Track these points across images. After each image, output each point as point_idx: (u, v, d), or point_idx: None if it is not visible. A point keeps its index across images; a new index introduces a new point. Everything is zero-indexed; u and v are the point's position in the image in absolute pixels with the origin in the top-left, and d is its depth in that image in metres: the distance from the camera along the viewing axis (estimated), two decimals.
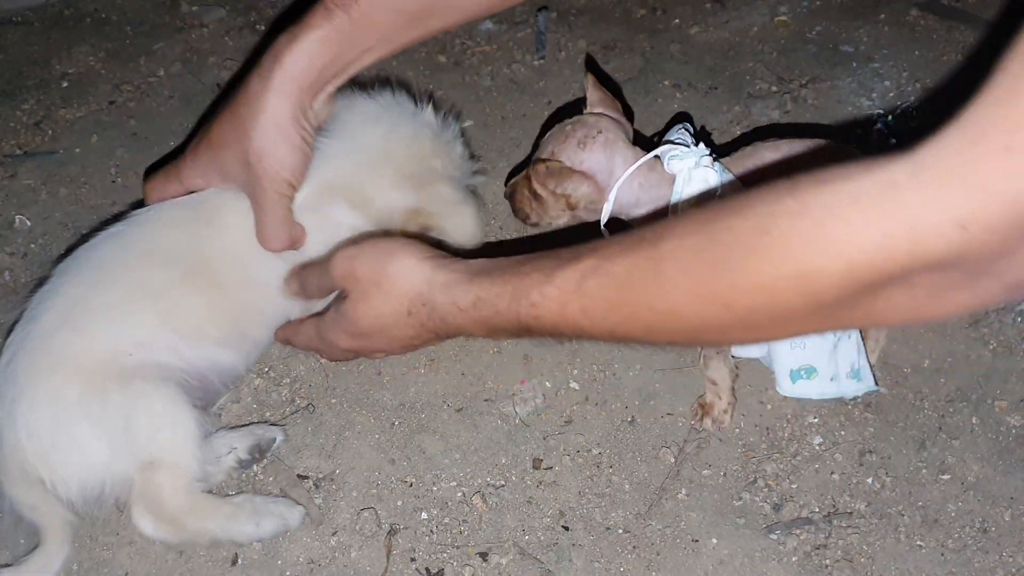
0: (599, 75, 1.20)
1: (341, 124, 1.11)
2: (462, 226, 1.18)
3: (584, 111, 1.12)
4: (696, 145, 1.04)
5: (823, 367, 1.08)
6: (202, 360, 1.05)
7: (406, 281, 0.86)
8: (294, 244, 1.06)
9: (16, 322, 1.06)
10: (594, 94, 1.12)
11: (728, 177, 1.01)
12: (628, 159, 1.05)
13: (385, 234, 1.04)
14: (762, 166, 1.03)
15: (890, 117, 1.47)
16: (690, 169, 1.01)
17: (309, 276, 1.02)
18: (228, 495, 1.05)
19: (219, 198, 1.07)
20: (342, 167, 1.09)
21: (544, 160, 1.05)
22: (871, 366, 1.11)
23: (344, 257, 0.93)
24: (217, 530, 0.99)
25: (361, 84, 1.15)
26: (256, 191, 1.02)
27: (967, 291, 0.57)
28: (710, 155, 1.02)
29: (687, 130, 1.06)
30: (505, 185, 1.16)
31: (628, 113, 1.14)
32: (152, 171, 1.15)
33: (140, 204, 1.15)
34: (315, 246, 1.08)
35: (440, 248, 0.92)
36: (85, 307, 1.01)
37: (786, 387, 1.10)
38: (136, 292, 1.02)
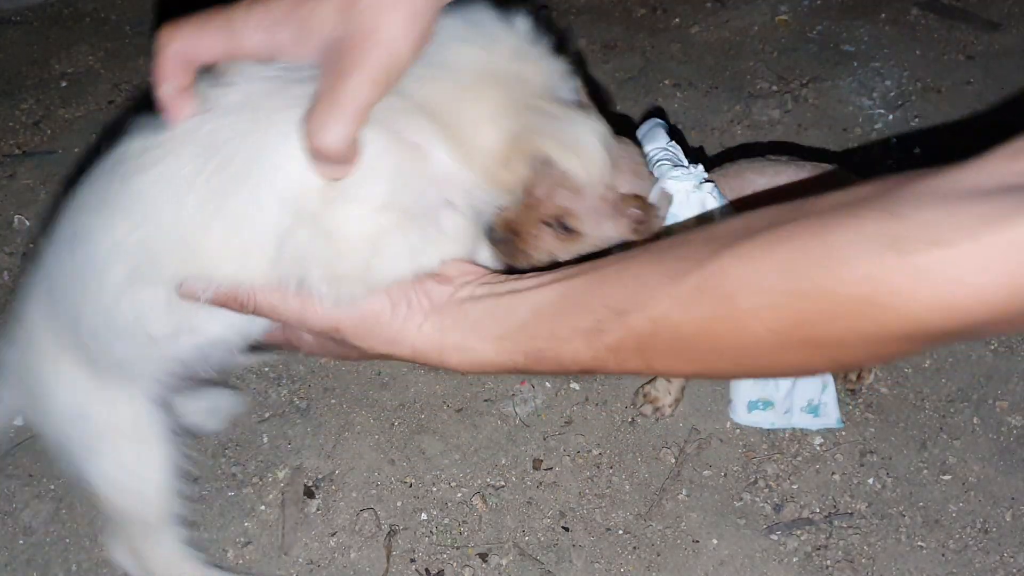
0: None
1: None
2: (586, 147, 0.83)
3: None
4: (685, 158, 1.01)
5: (779, 401, 1.09)
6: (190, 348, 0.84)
7: (424, 359, 0.75)
8: (347, 156, 0.69)
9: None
10: None
11: (724, 202, 0.99)
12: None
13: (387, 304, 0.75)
14: (752, 194, 1.01)
15: (891, 116, 1.47)
16: (688, 192, 0.98)
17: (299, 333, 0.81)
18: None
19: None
20: (432, 88, 0.77)
21: (636, 196, 0.93)
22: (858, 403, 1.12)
23: (354, 339, 0.76)
24: None
25: None
26: (346, 58, 0.68)
27: None
28: (706, 177, 1.00)
29: (663, 129, 1.03)
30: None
31: None
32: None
33: None
34: (370, 180, 0.72)
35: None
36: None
37: (741, 415, 1.11)
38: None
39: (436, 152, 0.77)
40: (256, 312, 0.76)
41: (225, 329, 0.80)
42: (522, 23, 0.85)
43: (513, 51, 0.83)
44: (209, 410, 1.12)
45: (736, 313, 0.59)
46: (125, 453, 0.88)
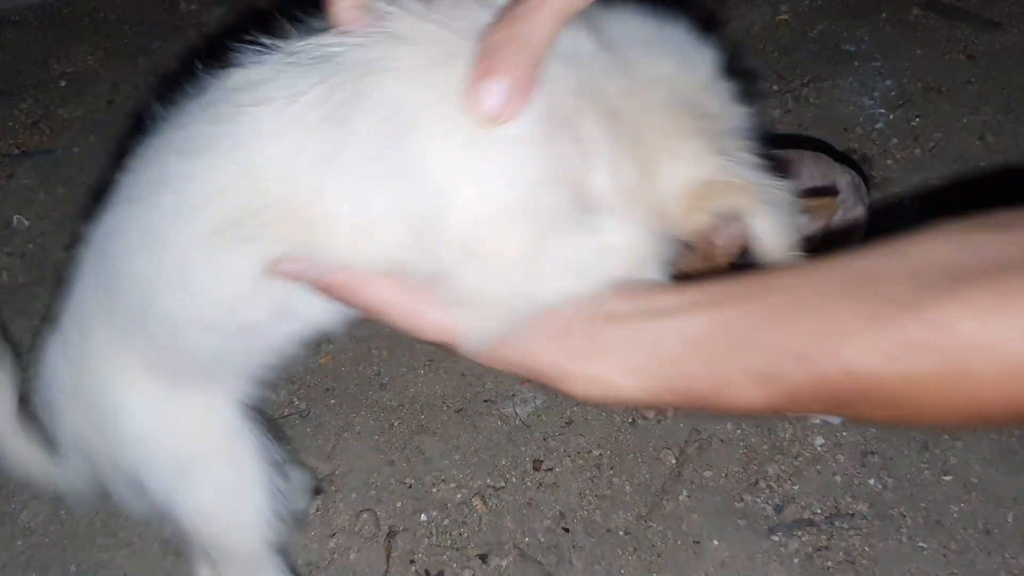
0: None
1: (604, 40, 0.65)
2: (783, 215, 0.68)
3: None
4: None
5: None
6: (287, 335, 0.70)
7: (542, 380, 0.63)
8: (512, 111, 0.56)
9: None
10: None
11: None
12: None
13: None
14: None
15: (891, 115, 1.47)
16: None
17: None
18: None
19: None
20: (618, 92, 0.62)
21: (818, 192, 0.92)
22: None
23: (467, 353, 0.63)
24: None
25: None
26: (525, 6, 0.58)
27: None
28: None
29: None
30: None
31: None
32: None
33: None
34: (541, 189, 0.57)
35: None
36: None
37: None
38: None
39: (604, 165, 0.61)
40: (355, 308, 0.63)
41: (323, 312, 0.65)
42: (711, 52, 0.72)
43: (702, 81, 0.71)
44: (296, 489, 1.02)
45: (964, 377, 0.51)
46: (221, 477, 0.75)
